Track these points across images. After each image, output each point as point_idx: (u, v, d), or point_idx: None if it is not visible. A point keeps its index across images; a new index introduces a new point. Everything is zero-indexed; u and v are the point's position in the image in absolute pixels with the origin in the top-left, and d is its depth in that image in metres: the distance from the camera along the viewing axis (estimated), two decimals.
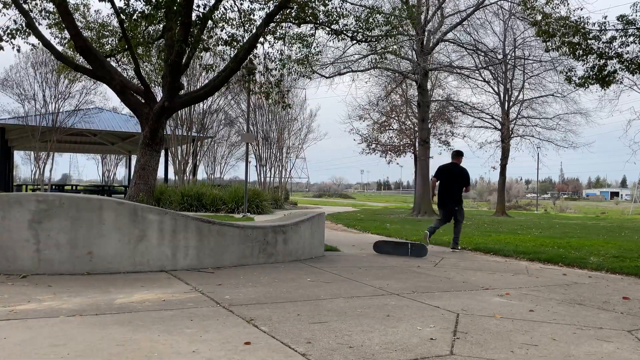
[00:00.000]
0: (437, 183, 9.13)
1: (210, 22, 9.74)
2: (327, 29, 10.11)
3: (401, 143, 27.80)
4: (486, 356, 2.95)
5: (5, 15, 9.85)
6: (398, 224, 14.97)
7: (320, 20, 9.87)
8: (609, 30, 10.22)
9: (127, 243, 5.32)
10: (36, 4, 9.49)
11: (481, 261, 7.53)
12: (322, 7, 9.68)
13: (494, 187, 51.29)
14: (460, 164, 9.12)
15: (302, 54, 10.64)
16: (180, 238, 5.64)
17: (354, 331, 3.36)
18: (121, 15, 8.55)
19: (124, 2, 8.34)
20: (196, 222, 5.78)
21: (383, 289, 4.94)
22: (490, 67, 24.18)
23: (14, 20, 9.15)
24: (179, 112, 22.58)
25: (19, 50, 9.57)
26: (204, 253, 5.80)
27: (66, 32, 9.42)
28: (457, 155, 9.24)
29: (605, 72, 10.37)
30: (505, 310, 4.17)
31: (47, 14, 9.75)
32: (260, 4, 10.06)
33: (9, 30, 9.00)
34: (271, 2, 9.90)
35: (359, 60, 20.64)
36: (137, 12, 8.46)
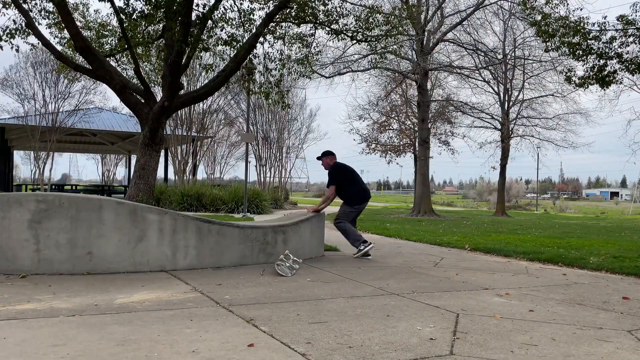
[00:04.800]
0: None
1: (210, 22, 9.74)
2: (327, 28, 10.11)
3: (401, 143, 27.83)
4: (486, 356, 2.95)
5: (5, 15, 9.85)
6: (398, 224, 14.97)
7: (320, 20, 9.86)
8: (609, 30, 10.23)
9: (127, 243, 5.32)
10: (36, 4, 9.48)
11: (481, 261, 7.53)
12: (322, 7, 9.68)
13: (493, 187, 51.33)
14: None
15: (302, 54, 10.64)
16: (180, 238, 5.63)
17: (353, 331, 3.36)
18: (121, 14, 8.54)
19: (124, 2, 8.34)
20: (196, 222, 5.78)
21: (383, 289, 4.94)
22: (490, 67, 24.21)
23: (14, 20, 9.14)
24: (179, 112, 22.59)
25: (17, 50, 9.56)
26: (204, 253, 5.80)
27: (66, 31, 9.41)
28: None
29: (605, 72, 10.38)
30: (505, 310, 4.17)
31: (47, 14, 9.74)
32: (260, 4, 10.06)
33: (8, 30, 8.99)
34: (271, 2, 9.89)
35: (359, 60, 20.67)
36: (136, 12, 8.45)
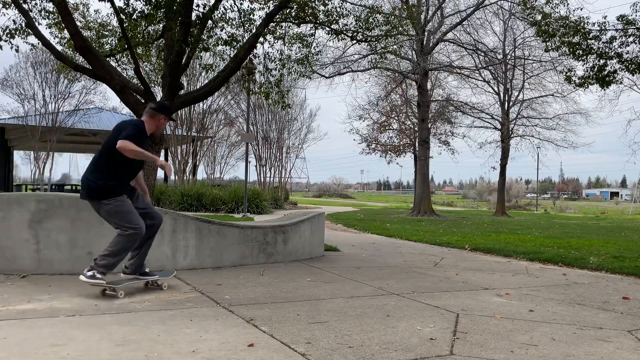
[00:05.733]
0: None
1: (210, 22, 9.74)
2: (327, 28, 10.11)
3: (401, 143, 27.82)
4: (486, 356, 2.95)
5: (4, 15, 9.84)
6: (398, 224, 14.96)
7: (320, 20, 9.87)
8: (609, 30, 10.23)
9: None
10: (36, 4, 9.47)
11: (481, 261, 7.53)
12: (322, 7, 9.68)
13: (493, 187, 51.34)
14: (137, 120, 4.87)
15: (302, 54, 10.63)
16: (180, 238, 5.63)
17: (353, 331, 3.36)
18: (121, 14, 8.54)
19: (124, 2, 8.33)
20: (196, 222, 5.78)
21: (383, 289, 4.94)
22: (490, 67, 24.19)
23: (14, 20, 9.13)
24: (179, 112, 22.58)
25: (17, 50, 9.54)
26: (204, 253, 5.80)
27: (66, 31, 9.41)
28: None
29: (605, 72, 10.38)
30: (505, 310, 4.17)
31: (47, 14, 9.74)
32: (260, 4, 10.06)
33: (8, 30, 8.98)
34: (271, 2, 9.90)
35: (359, 60, 20.66)
36: (136, 12, 8.44)
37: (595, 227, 16.96)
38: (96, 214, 4.39)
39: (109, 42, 11.04)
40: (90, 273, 4.14)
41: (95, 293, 4.23)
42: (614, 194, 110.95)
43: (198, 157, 26.80)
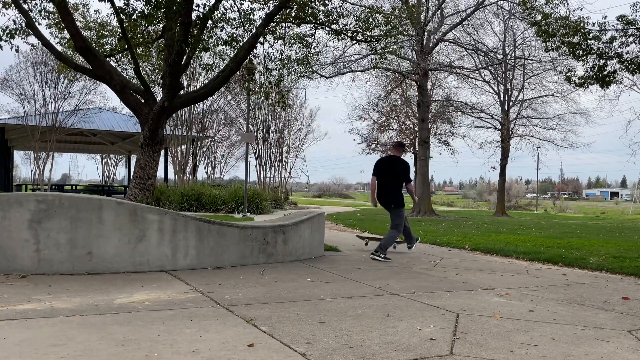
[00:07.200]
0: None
1: (210, 22, 9.75)
2: (327, 28, 10.12)
3: None
4: (486, 356, 2.95)
5: (5, 15, 9.85)
6: None
7: (320, 20, 9.87)
8: (609, 30, 10.24)
9: (127, 243, 5.32)
10: (36, 4, 9.48)
11: (481, 261, 7.53)
12: (322, 7, 9.70)
13: (493, 187, 51.37)
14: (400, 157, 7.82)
15: (302, 54, 10.64)
16: (180, 238, 5.63)
17: (353, 331, 3.36)
18: (121, 15, 8.55)
19: (124, 2, 8.34)
20: (196, 222, 5.78)
21: (383, 289, 4.94)
22: (490, 67, 24.19)
23: (14, 20, 9.14)
24: (179, 112, 22.58)
25: (17, 50, 9.56)
26: (204, 253, 5.80)
27: (66, 32, 9.42)
28: (396, 147, 8.02)
29: (605, 72, 10.39)
30: (505, 310, 4.17)
31: (47, 14, 9.75)
32: (260, 4, 10.07)
33: (8, 30, 8.99)
34: (271, 2, 9.91)
35: (359, 60, 20.66)
36: (136, 12, 8.46)
37: (595, 227, 16.96)
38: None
39: (109, 42, 11.05)
40: (378, 253, 7.16)
41: (95, 293, 4.24)
42: (614, 194, 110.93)
43: (198, 157, 26.79)
